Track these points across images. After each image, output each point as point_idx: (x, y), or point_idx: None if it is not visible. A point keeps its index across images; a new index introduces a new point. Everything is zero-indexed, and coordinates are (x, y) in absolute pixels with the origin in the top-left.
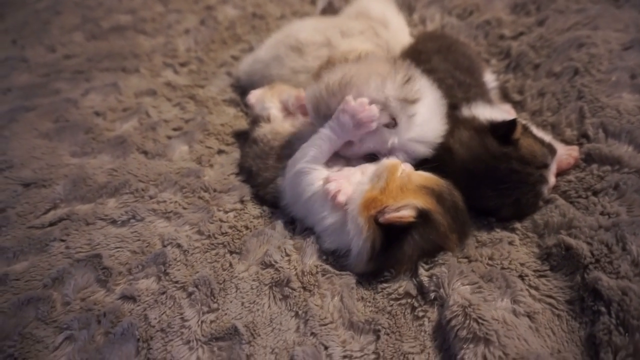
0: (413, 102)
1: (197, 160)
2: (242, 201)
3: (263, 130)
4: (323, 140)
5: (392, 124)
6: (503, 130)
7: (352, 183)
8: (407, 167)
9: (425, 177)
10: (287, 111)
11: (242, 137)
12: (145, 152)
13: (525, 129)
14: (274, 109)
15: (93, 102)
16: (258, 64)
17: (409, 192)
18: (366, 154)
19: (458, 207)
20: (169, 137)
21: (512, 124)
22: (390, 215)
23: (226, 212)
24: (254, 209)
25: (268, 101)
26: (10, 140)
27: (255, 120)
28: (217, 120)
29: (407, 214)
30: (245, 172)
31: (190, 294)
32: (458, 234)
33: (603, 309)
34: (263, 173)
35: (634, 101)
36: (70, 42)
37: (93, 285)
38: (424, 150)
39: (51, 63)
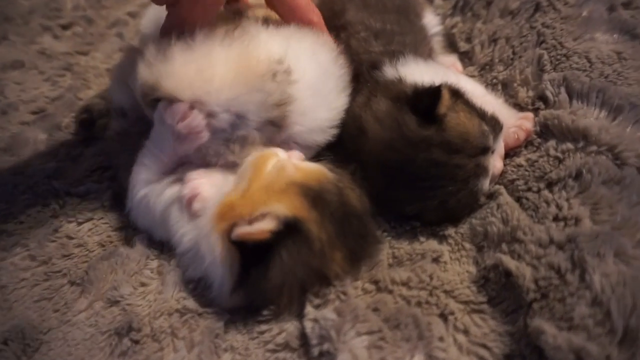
0: (283, 104)
1: (54, 154)
2: (103, 206)
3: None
4: (149, 159)
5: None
6: (423, 103)
7: (214, 185)
8: (293, 156)
9: (306, 170)
10: None
11: None
12: None
13: (458, 96)
14: None
15: None
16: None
17: (275, 193)
18: None
19: (350, 212)
20: (24, 124)
21: (435, 93)
22: (241, 231)
23: (79, 224)
24: (116, 218)
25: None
26: None
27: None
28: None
29: (262, 227)
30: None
31: None
32: (346, 253)
33: None
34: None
35: (610, 44)
36: None
37: None
38: (321, 138)
39: None
